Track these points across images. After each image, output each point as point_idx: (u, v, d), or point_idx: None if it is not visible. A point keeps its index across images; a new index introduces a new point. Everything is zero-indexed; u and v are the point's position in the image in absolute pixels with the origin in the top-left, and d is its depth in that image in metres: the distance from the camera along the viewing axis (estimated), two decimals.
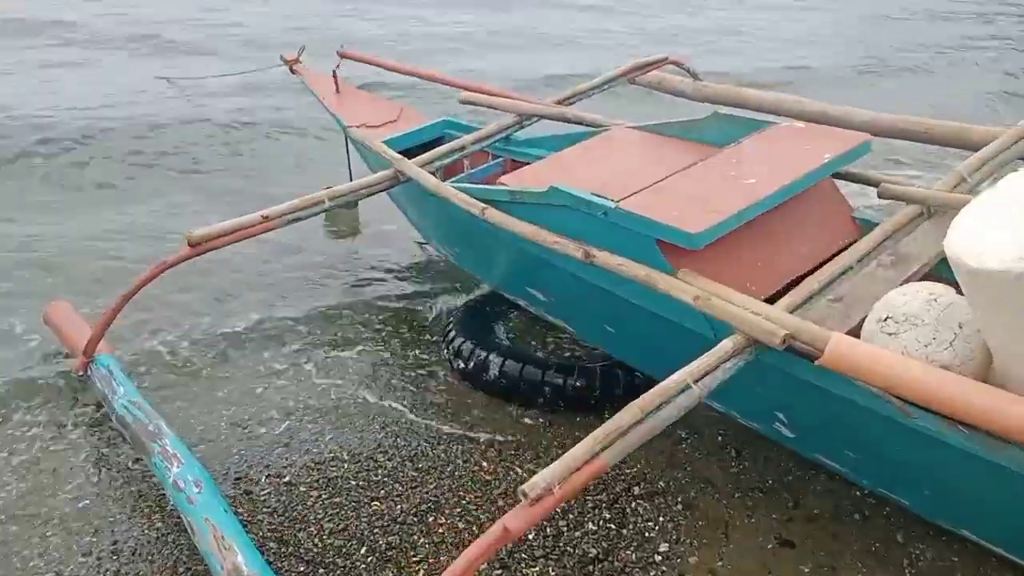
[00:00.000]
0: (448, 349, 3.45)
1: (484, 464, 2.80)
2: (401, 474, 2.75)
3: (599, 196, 2.54)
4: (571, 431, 2.98)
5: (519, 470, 2.77)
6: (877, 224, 2.63)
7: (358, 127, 4.22)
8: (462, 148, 3.73)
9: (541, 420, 3.06)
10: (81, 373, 3.05)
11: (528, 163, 3.88)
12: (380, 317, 3.82)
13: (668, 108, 4.98)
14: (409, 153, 3.87)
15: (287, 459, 2.83)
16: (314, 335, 3.65)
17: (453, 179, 3.78)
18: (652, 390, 1.95)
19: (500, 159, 3.97)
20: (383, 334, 3.69)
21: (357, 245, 4.63)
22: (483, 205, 2.97)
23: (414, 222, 4.35)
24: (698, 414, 2.89)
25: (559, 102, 4.02)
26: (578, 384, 3.08)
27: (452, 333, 3.48)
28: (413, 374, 3.38)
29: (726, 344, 2.06)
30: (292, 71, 4.88)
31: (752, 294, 2.32)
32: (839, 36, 10.13)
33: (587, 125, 3.73)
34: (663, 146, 3.13)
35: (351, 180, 4.97)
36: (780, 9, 11.65)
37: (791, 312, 2.16)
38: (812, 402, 2.21)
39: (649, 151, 3.11)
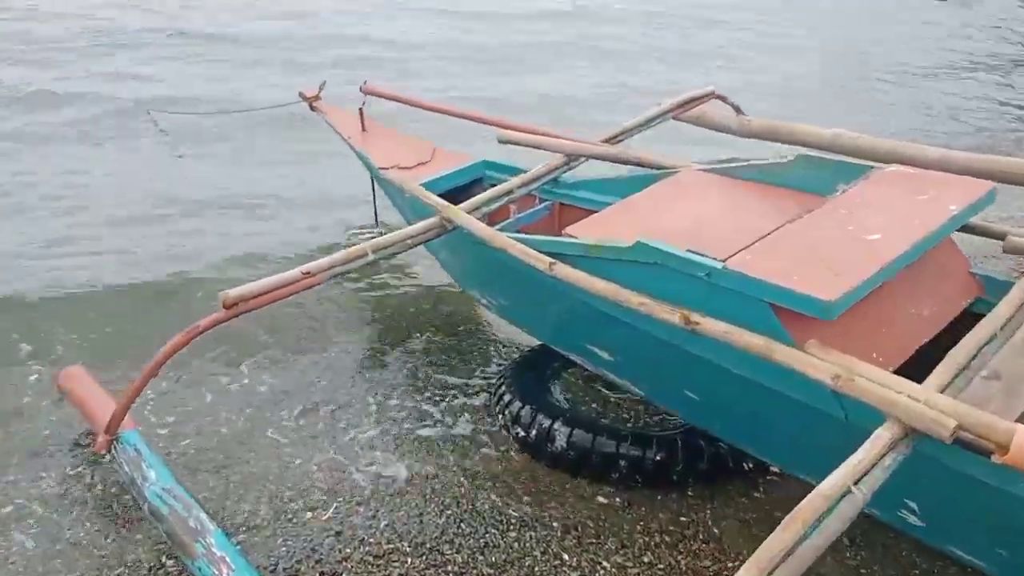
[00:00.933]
0: (503, 414, 3.14)
1: (565, 556, 2.49)
2: (474, 570, 2.43)
3: (699, 254, 2.27)
4: (653, 512, 2.68)
5: (606, 564, 2.46)
6: (1002, 280, 2.37)
7: (390, 168, 3.94)
8: (509, 192, 3.45)
9: (618, 499, 2.76)
10: (104, 453, 2.72)
11: (578, 208, 3.64)
12: (420, 376, 3.51)
13: (701, 145, 4.74)
14: (446, 197, 3.60)
15: (341, 552, 2.51)
16: (352, 397, 3.34)
17: (498, 225, 3.51)
18: (809, 498, 1.65)
19: (547, 203, 3.70)
20: (428, 396, 3.37)
21: (384, 283, 4.33)
22: (550, 260, 2.69)
23: (448, 267, 4.06)
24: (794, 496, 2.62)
25: (606, 141, 3.77)
26: (658, 457, 2.78)
27: (506, 396, 3.18)
28: (467, 443, 3.07)
29: (881, 436, 1.78)
30: (312, 108, 4.61)
31: (880, 366, 2.04)
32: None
33: (643, 166, 3.47)
34: (745, 192, 2.87)
35: (376, 223, 4.76)
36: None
37: (942, 392, 1.88)
38: (973, 498, 1.93)
39: (731, 198, 2.85)
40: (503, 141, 3.95)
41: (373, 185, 4.41)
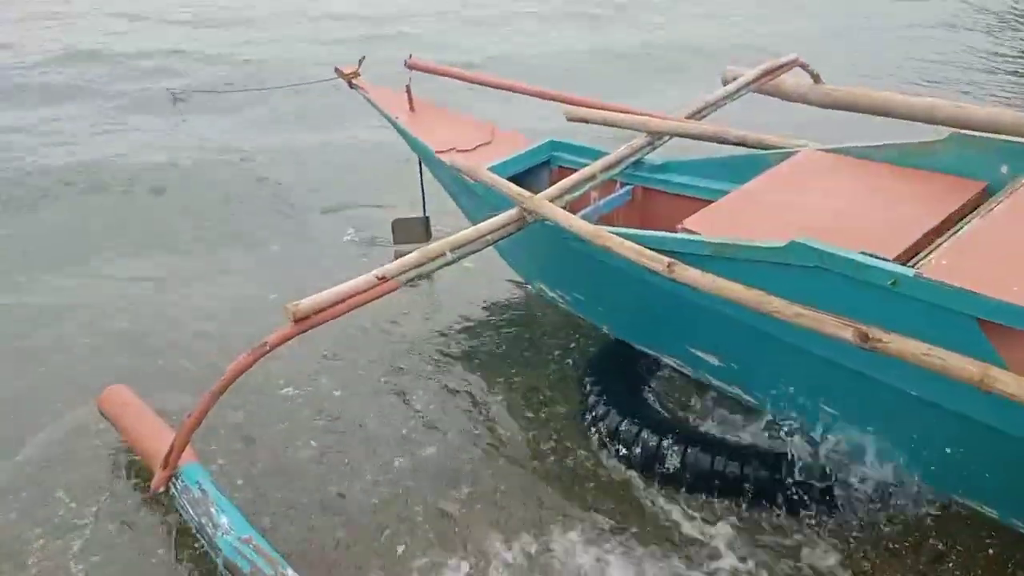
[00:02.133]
0: (597, 428, 2.80)
1: None
2: None
3: (878, 257, 1.92)
4: (814, 540, 2.35)
5: None
6: None
7: (447, 152, 3.56)
8: (592, 177, 3.08)
9: (766, 526, 2.42)
10: (162, 490, 2.37)
11: (665, 192, 3.27)
12: (498, 387, 3.17)
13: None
14: (512, 183, 3.23)
15: None
16: (423, 418, 3.00)
17: (579, 213, 3.14)
18: None
19: (628, 187, 3.33)
20: (510, 411, 3.03)
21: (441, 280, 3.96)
22: (668, 260, 2.33)
23: (511, 258, 3.70)
24: (953, 522, 2.30)
25: (690, 116, 3.39)
26: (800, 479, 2.45)
27: (599, 406, 2.84)
28: (566, 470, 2.72)
29: None
30: (351, 85, 4.19)
31: None
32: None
33: (745, 146, 3.10)
34: (887, 178, 2.51)
35: (424, 214, 4.37)
36: None
37: None
38: None
39: (871, 185, 2.49)
40: (572, 119, 3.56)
41: (421, 171, 4.03)
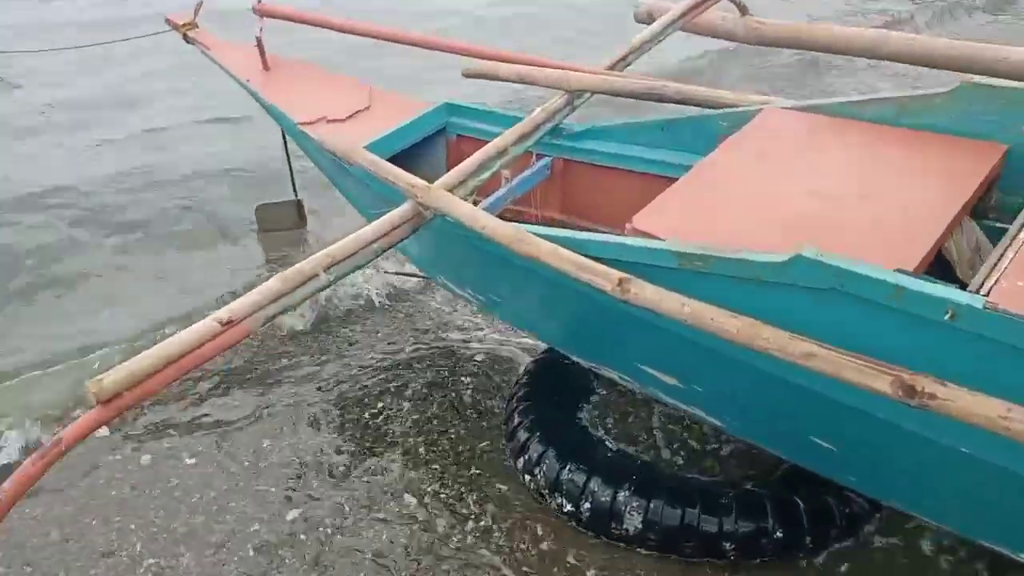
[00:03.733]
0: (531, 475, 2.23)
1: None
2: None
3: (929, 280, 1.37)
4: None
5: None
6: None
7: (314, 123, 2.81)
8: (502, 152, 2.42)
9: None
10: None
11: (593, 165, 2.64)
12: (405, 413, 2.54)
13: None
14: (400, 161, 2.55)
15: None
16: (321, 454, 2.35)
17: (491, 197, 2.50)
18: None
19: (545, 159, 2.69)
20: (429, 445, 2.41)
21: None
22: (619, 275, 1.72)
23: (409, 250, 3.03)
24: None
25: (612, 67, 2.76)
26: (780, 534, 1.96)
27: (530, 445, 2.26)
28: (503, 525, 2.16)
29: None
30: (187, 39, 3.33)
31: None
32: None
33: (687, 103, 2.50)
34: (881, 144, 1.97)
35: (296, 198, 3.59)
36: None
37: None
38: None
39: (864, 154, 1.94)
40: (470, 74, 2.86)
41: (285, 143, 3.25)
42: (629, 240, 1.78)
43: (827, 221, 1.69)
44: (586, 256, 1.80)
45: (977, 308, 1.27)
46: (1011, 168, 1.85)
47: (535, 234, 1.92)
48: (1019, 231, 1.49)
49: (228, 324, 1.82)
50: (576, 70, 2.69)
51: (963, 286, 1.87)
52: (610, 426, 2.40)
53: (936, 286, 1.33)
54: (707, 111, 2.37)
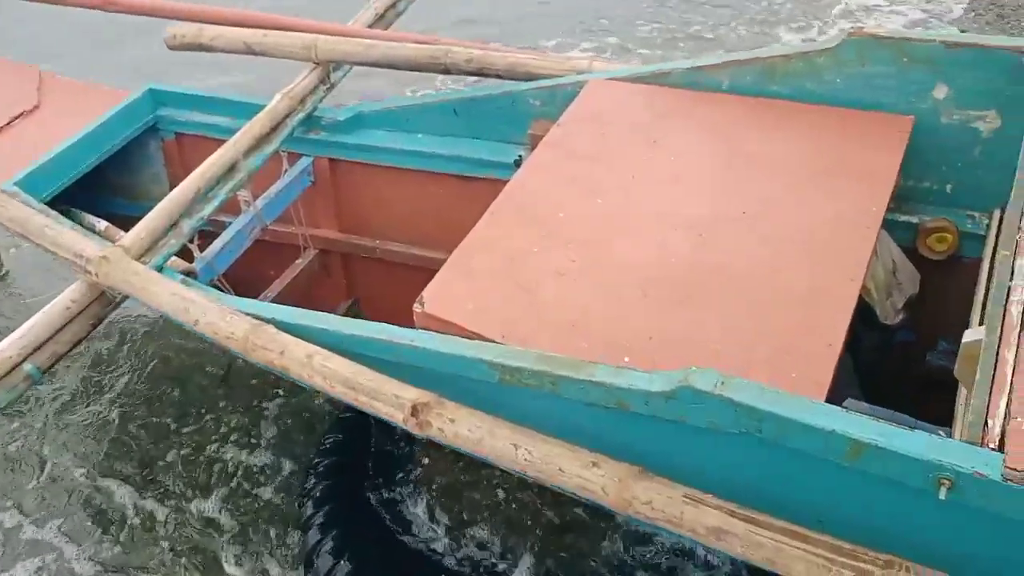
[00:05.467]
0: None
1: None
2: None
3: (902, 424, 0.84)
4: None
5: None
6: None
7: None
8: (231, 167, 1.69)
9: None
10: None
11: (367, 164, 1.94)
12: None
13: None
14: (90, 186, 1.75)
15: None
16: None
17: (231, 229, 1.77)
18: None
19: (305, 162, 1.95)
20: None
21: None
22: (412, 402, 1.10)
23: None
24: None
25: (373, 24, 2.04)
26: None
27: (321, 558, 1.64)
28: None
29: None
30: None
31: None
32: None
33: (474, 74, 1.82)
34: (758, 124, 1.42)
35: None
36: None
37: None
38: None
39: (733, 149, 1.38)
40: (176, 45, 2.03)
41: None
42: (423, 339, 1.14)
43: (702, 287, 1.14)
44: (362, 360, 1.16)
45: (996, 481, 0.76)
46: (917, 145, 1.37)
47: (287, 325, 1.24)
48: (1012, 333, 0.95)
49: None
50: (326, 32, 1.94)
51: (888, 329, 1.43)
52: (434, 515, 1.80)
53: (916, 438, 0.80)
54: (513, 85, 1.73)
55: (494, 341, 1.13)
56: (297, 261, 1.98)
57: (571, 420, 1.08)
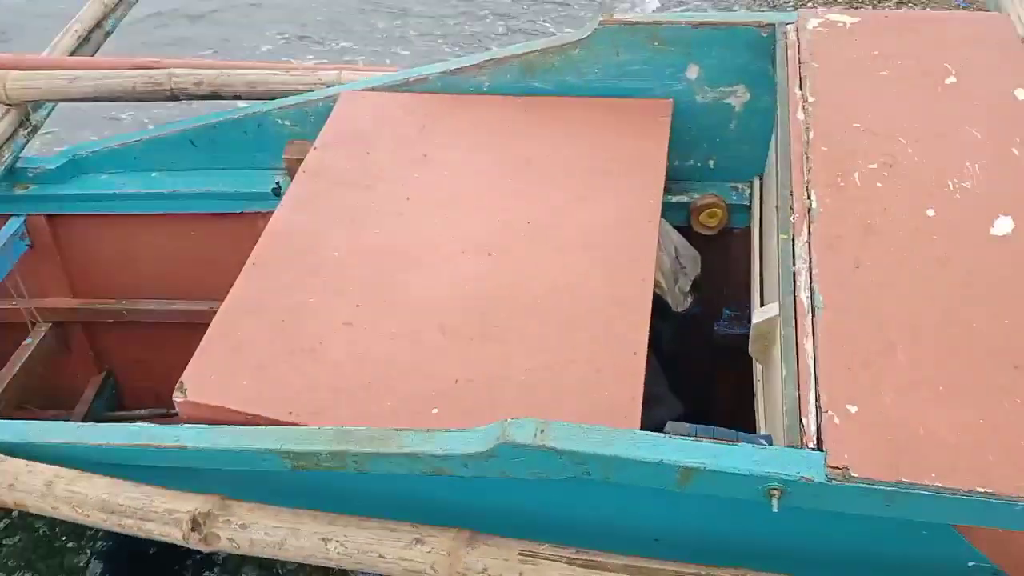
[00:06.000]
0: None
1: None
2: None
3: (726, 439, 0.80)
4: None
5: None
6: None
7: None
8: None
9: None
10: None
11: (98, 215, 1.65)
12: None
13: None
14: None
15: None
16: None
17: None
18: None
19: (14, 222, 1.63)
20: None
21: None
22: (192, 512, 0.93)
23: None
24: None
25: (76, 51, 1.74)
26: None
27: None
28: None
29: None
30: None
31: None
32: None
33: (208, 97, 1.60)
34: (512, 128, 1.35)
35: None
36: None
37: None
38: None
39: (504, 156, 1.31)
40: None
41: None
42: (191, 436, 0.96)
43: (502, 315, 1.07)
44: (121, 469, 0.97)
45: (821, 482, 0.75)
46: (679, 126, 1.39)
47: (10, 446, 1.00)
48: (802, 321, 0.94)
49: None
50: (17, 66, 1.61)
51: (680, 315, 1.43)
52: None
53: (741, 453, 0.77)
54: (260, 105, 1.53)
55: (280, 422, 0.98)
56: (26, 341, 1.66)
57: (388, 494, 0.96)
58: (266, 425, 0.98)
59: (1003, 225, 0.91)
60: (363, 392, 1.00)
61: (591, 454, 0.79)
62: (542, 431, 0.80)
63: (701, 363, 1.56)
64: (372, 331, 1.07)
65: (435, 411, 0.97)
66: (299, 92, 1.52)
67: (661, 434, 0.81)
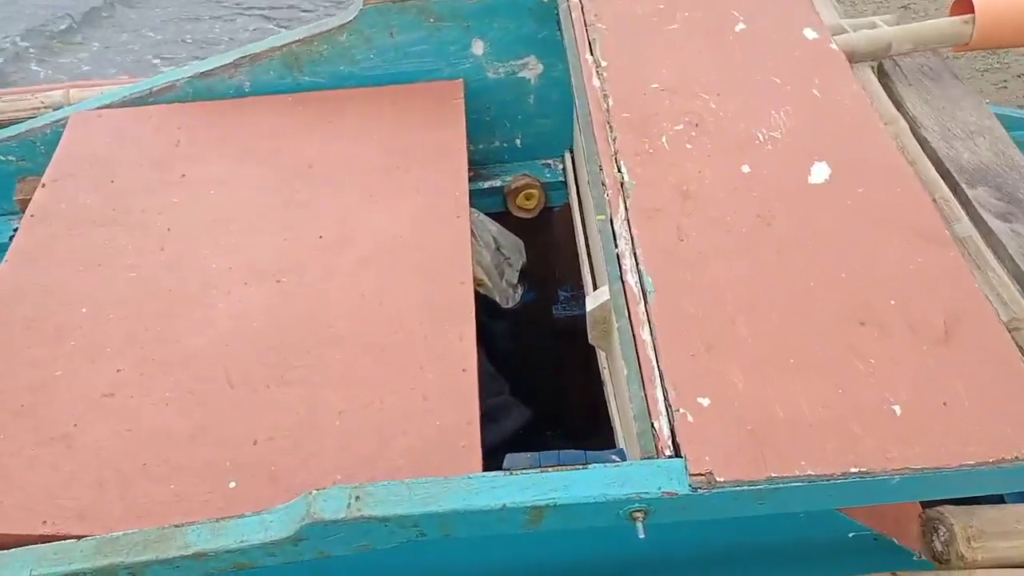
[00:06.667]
0: None
1: None
2: None
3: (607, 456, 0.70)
4: None
5: None
6: None
7: None
8: None
9: None
10: None
11: None
12: None
13: None
14: None
15: None
16: None
17: None
18: None
19: None
20: None
21: None
22: None
23: None
24: None
25: None
26: None
27: None
28: None
29: None
30: None
31: None
32: None
33: None
34: (297, 117, 1.18)
35: None
36: None
37: None
38: None
39: (280, 169, 1.13)
40: None
41: None
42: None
43: (303, 349, 0.91)
44: None
45: (692, 495, 0.65)
46: (475, 106, 1.27)
47: None
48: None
49: None
50: None
51: (512, 311, 1.32)
52: None
53: (593, 478, 0.66)
54: None
55: (31, 538, 0.76)
56: None
57: None
58: (13, 547, 0.76)
59: (819, 172, 0.87)
60: (138, 478, 0.81)
61: (422, 514, 0.65)
62: (356, 498, 0.65)
63: (545, 352, 1.47)
64: (141, 399, 0.87)
65: (232, 484, 0.80)
66: (19, 120, 1.25)
67: (500, 473, 0.68)
